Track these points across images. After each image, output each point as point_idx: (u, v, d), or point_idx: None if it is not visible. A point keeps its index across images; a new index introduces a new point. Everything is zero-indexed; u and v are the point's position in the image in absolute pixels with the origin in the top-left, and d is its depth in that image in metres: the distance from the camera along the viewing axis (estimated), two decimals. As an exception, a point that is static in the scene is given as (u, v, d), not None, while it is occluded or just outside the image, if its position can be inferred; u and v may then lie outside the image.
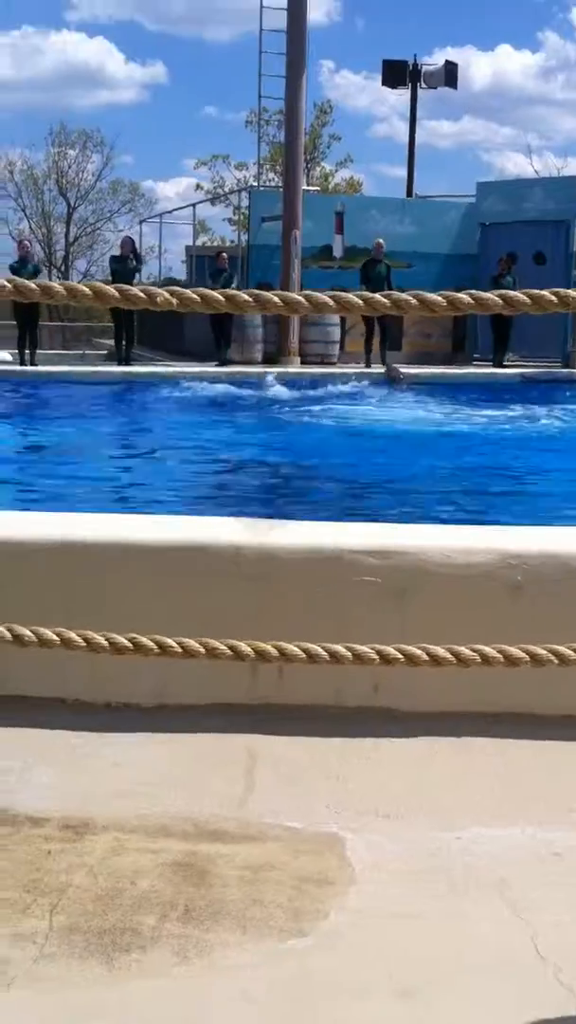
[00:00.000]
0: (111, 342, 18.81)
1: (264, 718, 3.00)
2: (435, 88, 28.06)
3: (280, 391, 13.49)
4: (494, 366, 17.86)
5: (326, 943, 2.01)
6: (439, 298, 1.85)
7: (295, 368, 16.75)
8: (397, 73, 27.26)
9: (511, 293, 1.87)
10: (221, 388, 13.60)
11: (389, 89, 29.43)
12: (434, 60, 27.96)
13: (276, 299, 1.86)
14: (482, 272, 19.06)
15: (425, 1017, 1.80)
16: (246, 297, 1.87)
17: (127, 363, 16.76)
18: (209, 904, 2.12)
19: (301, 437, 10.09)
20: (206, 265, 19.97)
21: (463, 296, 1.86)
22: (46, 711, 2.99)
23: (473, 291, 1.88)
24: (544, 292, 1.86)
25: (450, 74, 27.34)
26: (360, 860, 2.32)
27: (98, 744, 2.87)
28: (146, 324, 21.04)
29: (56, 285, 1.88)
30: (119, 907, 2.09)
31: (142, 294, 1.87)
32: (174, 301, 1.86)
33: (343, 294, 1.88)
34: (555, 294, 1.86)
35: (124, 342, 17.25)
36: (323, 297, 1.86)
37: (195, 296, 1.88)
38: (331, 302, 1.86)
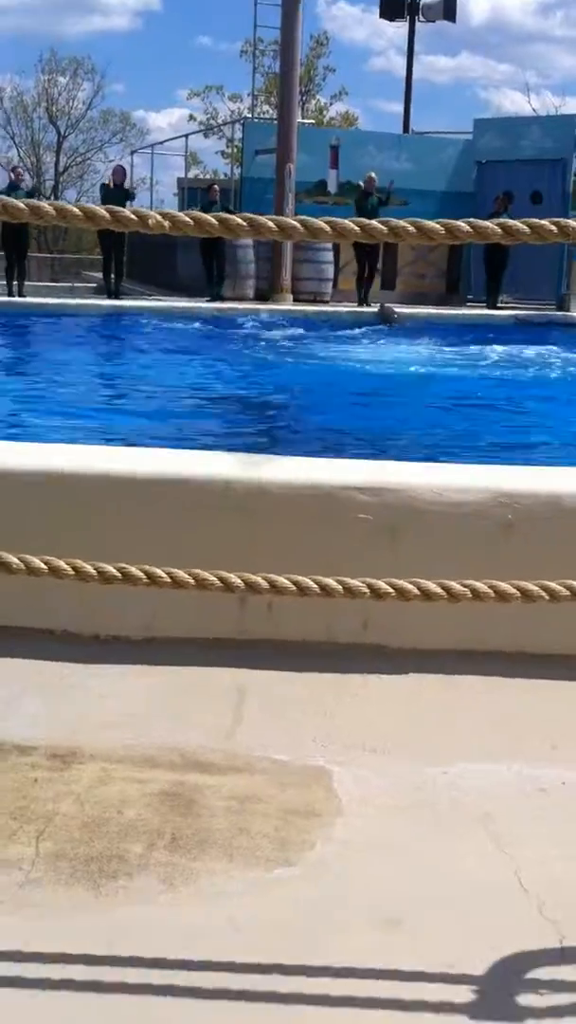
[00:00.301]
0: (101, 275, 18.57)
1: (253, 653, 3.00)
2: (433, 21, 27.42)
3: (271, 328, 13.36)
4: (488, 307, 17.75)
5: (312, 873, 2.02)
6: (437, 226, 1.82)
7: (287, 305, 16.59)
8: (395, 5, 26.64)
9: (510, 222, 1.84)
10: (211, 324, 13.47)
11: (387, 22, 28.80)
12: (432, -8, 27.27)
13: (271, 224, 1.82)
14: (479, 211, 18.80)
15: (408, 947, 1.82)
16: (240, 221, 1.83)
17: (116, 296, 16.56)
18: (196, 833, 2.13)
19: (292, 375, 10.02)
20: (198, 198, 19.69)
21: (461, 224, 1.83)
22: (34, 642, 2.98)
23: (472, 219, 1.85)
24: (543, 221, 1.83)
25: (449, 7, 26.71)
26: (347, 793, 2.33)
27: (86, 675, 2.86)
28: (137, 257, 20.75)
29: (45, 205, 1.83)
30: (106, 835, 2.10)
31: (133, 216, 1.83)
32: (166, 224, 1.82)
33: (340, 220, 1.84)
34: (555, 223, 1.83)
35: (113, 275, 17.02)
36: (319, 222, 1.82)
37: (188, 219, 1.84)
38: (327, 228, 1.82)
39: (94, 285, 19.82)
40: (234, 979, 1.71)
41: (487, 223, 1.83)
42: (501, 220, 1.84)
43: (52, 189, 45.18)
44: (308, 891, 1.97)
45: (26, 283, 16.61)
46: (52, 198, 43.50)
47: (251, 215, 1.84)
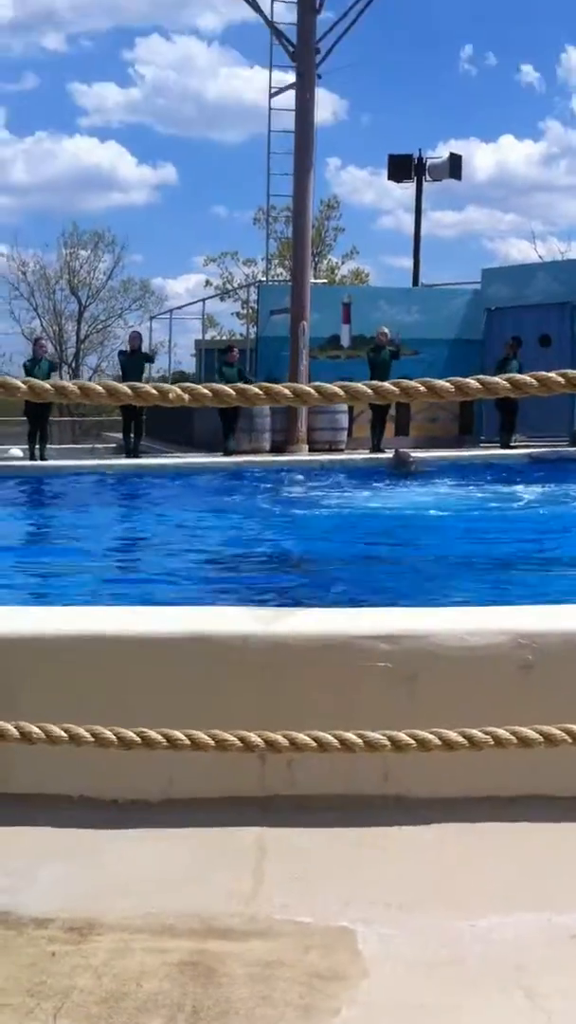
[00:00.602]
0: (120, 435, 19.02)
1: (273, 810, 2.95)
2: (439, 180, 28.64)
3: (288, 480, 13.56)
4: (501, 447, 17.95)
5: (338, 1042, 1.95)
6: (447, 384, 1.87)
7: (303, 456, 16.86)
8: (402, 167, 27.88)
9: (518, 376, 1.89)
10: (229, 478, 13.68)
11: (394, 183, 30.11)
12: (438, 153, 28.61)
13: (287, 391, 1.88)
14: (488, 356, 19.27)
15: None
16: (257, 391, 1.89)
17: (136, 455, 16.90)
18: (216, 1003, 2.06)
19: (310, 524, 10.12)
20: (215, 358, 20.27)
21: (471, 381, 1.88)
22: (52, 809, 2.94)
23: (481, 376, 1.90)
24: (551, 374, 1.88)
25: (454, 166, 27.95)
26: (372, 953, 2.26)
27: (104, 841, 2.82)
28: (154, 417, 21.26)
29: (70, 385, 1.90)
30: (124, 1010, 2.03)
31: (154, 391, 1.89)
32: (186, 397, 1.88)
33: (352, 384, 1.91)
34: (562, 375, 1.88)
35: (132, 435, 17.43)
36: (333, 388, 1.89)
37: (207, 391, 1.90)
38: (341, 392, 1.88)
39: (114, 445, 20.25)
40: None
41: (496, 379, 1.88)
42: (510, 375, 1.89)
43: (74, 356, 46.65)
44: (334, 1062, 1.89)
45: (48, 446, 17.00)
46: (74, 365, 45.04)
47: (267, 384, 1.91)
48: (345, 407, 18.28)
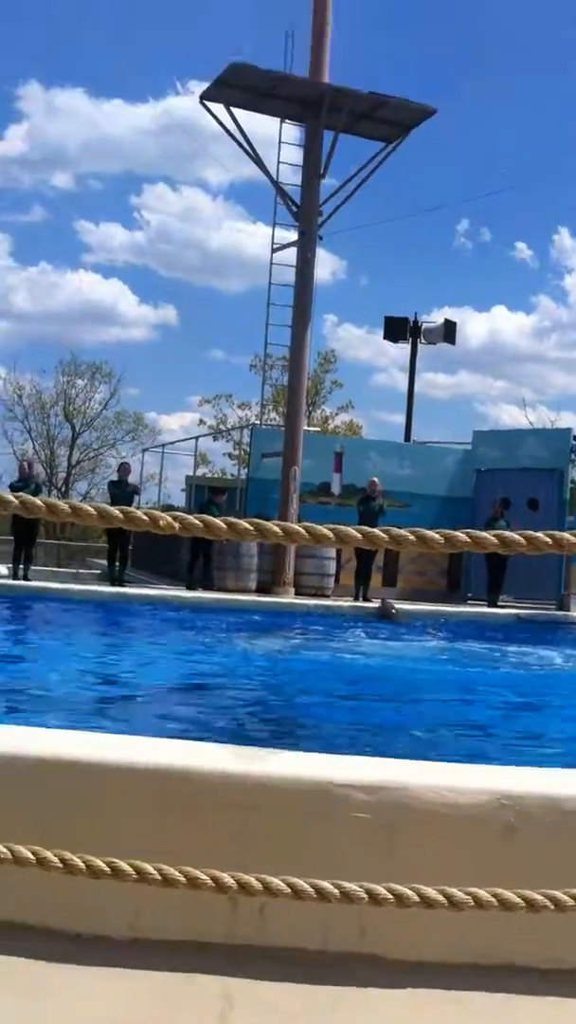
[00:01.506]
0: (105, 562, 19.02)
1: (242, 959, 2.83)
2: (434, 344, 29.54)
3: (272, 623, 13.51)
4: (488, 606, 17.99)
5: None
6: (437, 535, 1.89)
7: (289, 599, 16.85)
8: (398, 329, 28.77)
9: (507, 533, 1.91)
10: (213, 615, 13.62)
11: (390, 343, 31.01)
12: (433, 318, 29.61)
13: (276, 529, 1.90)
14: (477, 515, 19.50)
15: None
16: (247, 526, 1.90)
17: (120, 584, 16.87)
18: None
19: (292, 669, 10.02)
20: (205, 494, 20.47)
21: (460, 535, 1.90)
22: (13, 938, 2.82)
23: (470, 530, 1.92)
24: (539, 534, 1.90)
25: (449, 331, 28.88)
26: None
27: (65, 976, 2.69)
28: (141, 547, 21.32)
29: (61, 503, 1.91)
30: None
31: (145, 517, 1.90)
32: (176, 525, 1.90)
33: (342, 527, 1.92)
34: (550, 536, 1.90)
35: (118, 563, 17.44)
36: (322, 529, 1.90)
37: (198, 522, 1.91)
38: (330, 534, 1.89)
39: (98, 572, 20.23)
40: None
41: (485, 534, 1.90)
42: (498, 532, 1.91)
43: (64, 481, 47.04)
44: None
45: (32, 567, 16.97)
46: (63, 489, 45.33)
47: (258, 520, 1.92)
48: (333, 553, 18.43)
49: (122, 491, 17.67)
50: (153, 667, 9.25)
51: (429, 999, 2.74)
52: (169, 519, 1.81)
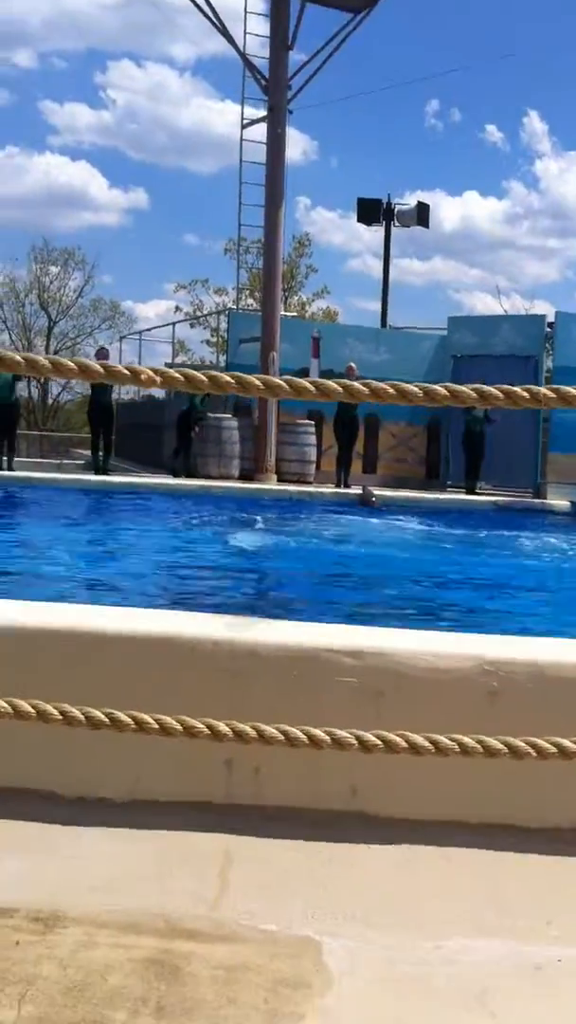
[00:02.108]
0: (88, 452, 18.98)
1: (240, 819, 2.95)
2: (407, 227, 29.09)
3: (255, 506, 13.59)
4: (466, 493, 18.14)
5: (303, 1045, 1.95)
6: (416, 388, 1.90)
7: (271, 485, 16.92)
8: (371, 211, 28.30)
9: (485, 387, 1.92)
10: (197, 501, 13.69)
11: (363, 226, 30.52)
12: (405, 201, 29.09)
13: (257, 382, 1.91)
14: (455, 401, 19.46)
15: None
16: (228, 379, 1.91)
17: (104, 473, 16.88)
18: (182, 1001, 2.06)
19: (275, 552, 10.13)
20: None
21: (439, 388, 1.92)
22: (17, 802, 2.93)
23: (448, 384, 1.94)
24: (516, 388, 1.91)
25: (422, 214, 28.44)
26: (338, 965, 2.26)
27: (69, 837, 2.80)
28: (124, 436, 21.25)
29: (41, 359, 1.91)
30: (89, 1000, 2.03)
31: (126, 371, 1.91)
32: (157, 379, 1.90)
33: (323, 380, 1.94)
34: (527, 390, 1.91)
35: (101, 452, 17.42)
36: (303, 382, 1.91)
37: (178, 375, 1.92)
38: (311, 387, 1.90)
39: (82, 462, 20.21)
40: None
41: (463, 387, 1.91)
42: (476, 386, 1.93)
43: (42, 371, 46.43)
44: (299, 1063, 1.90)
45: (16, 459, 16.93)
46: (42, 380, 44.84)
47: (239, 374, 1.93)
48: (314, 440, 18.44)
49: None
50: (141, 551, 9.34)
51: (419, 855, 2.87)
52: (150, 372, 1.82)
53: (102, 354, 18.72)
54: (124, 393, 24.67)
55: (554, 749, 1.97)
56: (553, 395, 1.89)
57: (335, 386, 1.89)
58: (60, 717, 1.96)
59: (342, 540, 11.21)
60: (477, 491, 18.29)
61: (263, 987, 2.14)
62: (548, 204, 63.28)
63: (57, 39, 68.35)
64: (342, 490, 16.86)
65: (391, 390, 1.89)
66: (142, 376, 1.90)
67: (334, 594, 7.62)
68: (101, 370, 1.89)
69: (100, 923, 2.34)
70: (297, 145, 54.29)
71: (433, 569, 9.30)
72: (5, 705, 1.95)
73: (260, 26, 18.91)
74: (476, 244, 64.21)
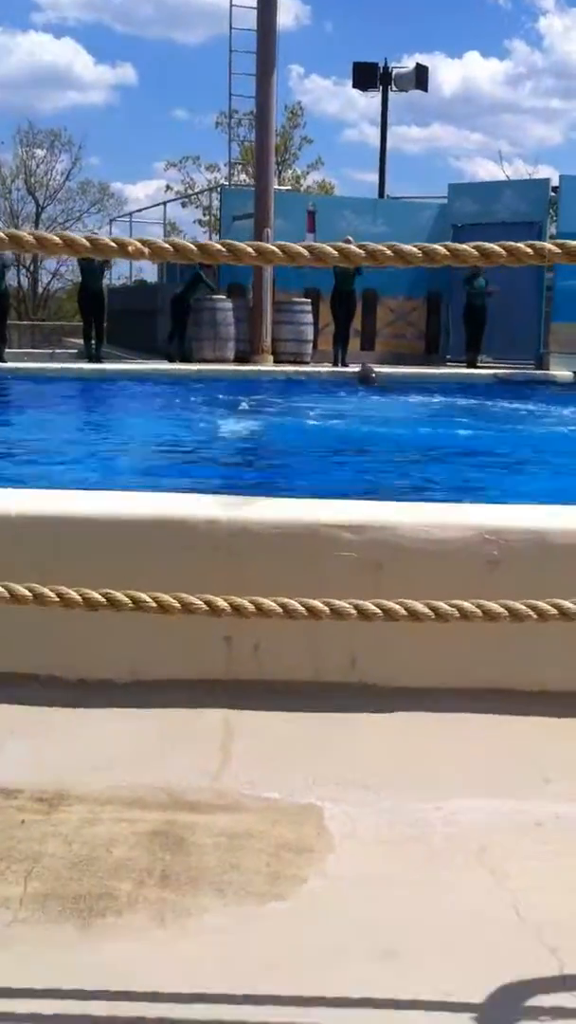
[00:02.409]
0: (80, 341, 18.74)
1: (240, 694, 2.97)
2: (406, 91, 28.07)
3: (252, 388, 13.47)
4: (467, 366, 17.95)
5: (305, 907, 1.98)
6: (415, 249, 1.82)
7: (268, 366, 16.74)
8: (367, 75, 27.29)
9: (487, 245, 1.84)
10: (193, 384, 13.56)
11: (359, 92, 29.49)
12: (403, 64, 28.02)
13: (249, 249, 1.83)
14: (455, 273, 19.11)
15: (407, 977, 1.77)
16: (218, 247, 1.84)
17: (97, 360, 16.69)
18: (186, 870, 2.08)
19: (274, 433, 10.07)
20: (177, 267, 19.91)
21: (439, 248, 1.84)
22: (19, 687, 2.94)
23: (448, 243, 1.85)
24: (519, 244, 1.83)
25: (420, 76, 27.43)
26: (339, 829, 2.29)
27: (72, 719, 2.82)
28: (117, 323, 20.96)
29: (24, 234, 1.83)
30: (94, 874, 2.05)
31: (113, 243, 1.84)
32: (146, 250, 1.83)
33: (317, 244, 1.85)
34: (530, 246, 1.83)
35: (94, 340, 17.19)
36: (297, 247, 1.83)
37: (167, 246, 1.84)
38: (305, 252, 1.83)
39: (74, 351, 19.97)
40: (229, 1011, 1.67)
41: (463, 246, 1.83)
42: (478, 243, 1.84)
43: (32, 259, 45.60)
44: (301, 925, 1.93)
45: (7, 350, 16.71)
46: (32, 268, 44.12)
47: (230, 242, 1.85)
48: (310, 318, 18.16)
49: (91, 263, 17.18)
50: (135, 437, 9.27)
51: (418, 721, 2.89)
52: (137, 244, 1.75)
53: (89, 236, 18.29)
54: (115, 279, 24.27)
55: (555, 611, 1.95)
56: (558, 250, 1.81)
57: (330, 250, 1.81)
58: (57, 599, 1.94)
59: (340, 418, 11.12)
60: (478, 364, 18.08)
61: (265, 852, 2.17)
62: (552, 63, 61.16)
63: None
64: (340, 368, 16.68)
65: (389, 251, 1.81)
66: (129, 248, 1.82)
67: (333, 473, 7.58)
68: (87, 243, 1.81)
69: (104, 800, 2.36)
70: (289, 10, 52.28)
71: (433, 444, 9.24)
72: (2, 590, 1.93)
73: None
74: (477, 108, 62.31)
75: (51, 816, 2.29)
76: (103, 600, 1.86)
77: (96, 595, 1.87)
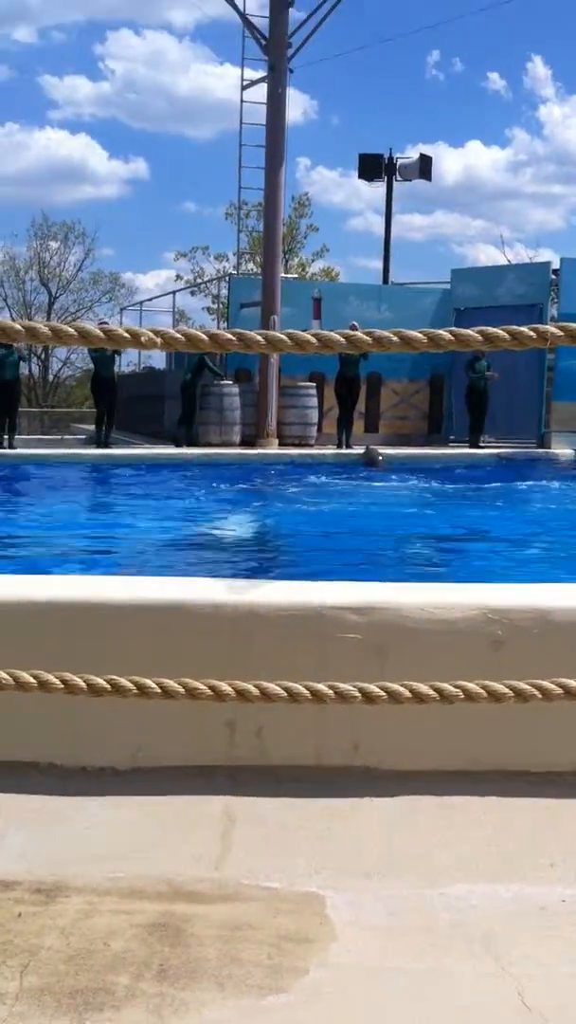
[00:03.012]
0: (89, 427, 18.94)
1: (242, 779, 2.93)
2: (410, 180, 28.76)
3: (258, 472, 13.54)
4: (470, 447, 18.05)
5: (307, 1000, 1.93)
6: (420, 335, 1.85)
7: (273, 449, 16.84)
8: (373, 166, 28.00)
9: (490, 329, 1.86)
10: (200, 469, 13.64)
11: (365, 182, 30.20)
12: (407, 155, 28.75)
13: (259, 338, 1.86)
14: (458, 356, 19.33)
15: (411, 1074, 1.72)
16: (229, 336, 1.86)
17: (106, 446, 16.82)
18: (185, 963, 2.04)
19: (279, 515, 10.09)
20: (185, 353, 20.18)
21: (443, 333, 1.86)
22: (20, 776, 2.91)
23: (453, 328, 1.88)
24: (523, 328, 1.86)
25: (424, 166, 28.10)
26: (341, 918, 2.24)
27: (72, 808, 2.78)
28: (125, 409, 21.17)
29: (41, 326, 1.86)
30: (91, 967, 2.01)
31: (126, 334, 1.86)
32: (158, 340, 1.86)
33: (325, 332, 1.88)
34: (533, 329, 1.86)
35: (104, 426, 17.36)
36: (305, 335, 1.86)
37: (179, 336, 1.87)
38: (313, 340, 1.85)
39: (83, 436, 20.15)
40: None
41: (468, 331, 1.85)
42: (481, 328, 1.87)
43: (43, 349, 46.28)
44: (303, 1018, 1.87)
45: (17, 436, 16.88)
46: (43, 356, 44.73)
47: (240, 331, 1.88)
48: (315, 402, 18.33)
49: (103, 352, 17.43)
50: (143, 521, 9.30)
51: (422, 806, 2.85)
52: (150, 334, 1.77)
53: (103, 327, 18.59)
54: (125, 365, 24.58)
55: (560, 690, 1.93)
56: (560, 332, 1.83)
57: (338, 337, 1.84)
58: (62, 686, 1.93)
59: (344, 500, 11.15)
60: (481, 444, 18.18)
61: (266, 943, 2.12)
62: (552, 150, 62.50)
63: (56, 13, 67.29)
64: (345, 451, 16.77)
65: (395, 338, 1.83)
66: (142, 338, 1.85)
67: (337, 555, 7.57)
68: (101, 334, 1.84)
69: (103, 891, 2.32)
70: (297, 105, 53.86)
71: (436, 524, 9.24)
72: (6, 676, 1.92)
73: (258, -14, 18.67)
74: (479, 195, 63.55)
75: (49, 908, 2.24)
76: (107, 686, 1.85)
77: (100, 681, 1.86)
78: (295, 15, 18.08)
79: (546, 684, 1.89)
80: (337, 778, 2.95)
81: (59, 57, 63.81)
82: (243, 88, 19.24)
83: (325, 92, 60.87)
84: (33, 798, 2.83)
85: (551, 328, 1.87)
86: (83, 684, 1.88)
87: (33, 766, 2.98)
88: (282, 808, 2.80)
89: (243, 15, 18.20)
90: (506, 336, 1.82)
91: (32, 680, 1.90)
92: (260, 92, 18.35)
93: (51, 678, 1.91)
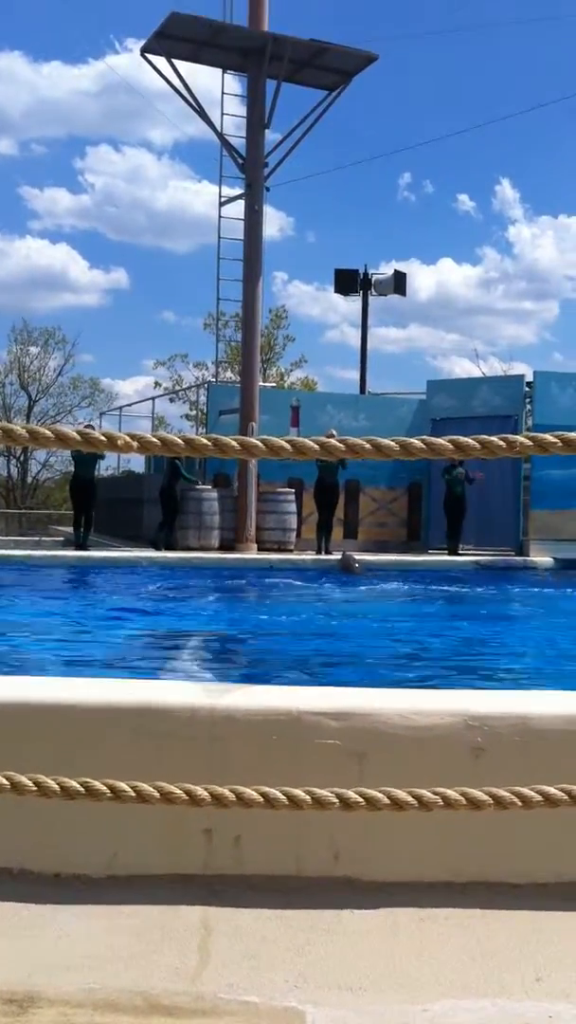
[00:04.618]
0: (67, 529, 18.96)
1: (219, 889, 2.87)
2: (385, 295, 29.55)
3: (235, 577, 13.54)
4: (448, 554, 18.15)
5: None
6: (392, 443, 1.89)
7: (251, 554, 16.89)
8: (348, 281, 28.78)
9: (461, 438, 1.91)
10: (178, 573, 13.63)
11: (341, 297, 31.03)
12: (382, 271, 29.60)
13: (234, 443, 1.90)
14: (433, 464, 19.58)
15: None
16: (204, 441, 1.91)
17: (84, 548, 16.82)
18: (160, 1081, 1.97)
19: (254, 621, 10.07)
20: (164, 458, 20.35)
21: (415, 441, 1.91)
22: (-10, 882, 2.84)
23: (424, 436, 1.93)
24: (492, 437, 1.91)
25: (399, 282, 28.89)
26: (322, 1034, 2.18)
27: (44, 916, 2.72)
28: (104, 511, 21.24)
29: (18, 428, 1.90)
30: None
31: (103, 437, 1.90)
32: (134, 444, 1.89)
33: (299, 439, 1.92)
34: (503, 439, 1.91)
35: (83, 528, 17.39)
36: (280, 441, 1.90)
37: (156, 440, 1.91)
38: (287, 446, 1.89)
39: (61, 539, 20.15)
40: None
41: (439, 440, 1.90)
42: (452, 437, 1.92)
43: (23, 450, 46.54)
44: None
45: (-6, 538, 16.89)
46: (22, 458, 44.96)
47: (216, 435, 1.92)
48: (294, 507, 18.46)
49: (83, 454, 17.56)
50: (120, 623, 9.25)
51: (403, 918, 2.79)
52: (126, 438, 1.81)
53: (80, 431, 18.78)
54: (104, 469, 24.74)
55: (540, 798, 1.93)
56: (529, 443, 1.88)
57: (311, 444, 1.88)
58: (34, 788, 1.91)
59: (322, 606, 11.15)
60: (459, 551, 18.30)
61: (246, 1062, 2.06)
62: (522, 268, 64.47)
63: (38, 127, 69.74)
64: (323, 556, 16.84)
65: (367, 445, 1.88)
66: (119, 442, 1.88)
67: (315, 660, 7.55)
68: (77, 437, 1.87)
69: (76, 1003, 2.26)
70: (274, 222, 55.66)
71: (414, 630, 9.24)
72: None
73: (236, 107, 19.51)
74: (452, 310, 65.24)
75: (20, 1019, 2.18)
76: (80, 789, 1.83)
77: (74, 784, 1.84)
78: (271, 136, 18.86)
79: (526, 791, 1.89)
80: (317, 889, 2.89)
81: (39, 169, 65.78)
82: (221, 204, 19.86)
83: (301, 209, 62.89)
84: (5, 905, 2.76)
85: (520, 438, 1.92)
86: (56, 786, 1.87)
87: (6, 872, 2.91)
88: (261, 919, 2.74)
89: (221, 135, 18.88)
90: (477, 445, 1.87)
91: (5, 781, 1.88)
92: (238, 208, 18.97)
93: (23, 780, 1.89)
